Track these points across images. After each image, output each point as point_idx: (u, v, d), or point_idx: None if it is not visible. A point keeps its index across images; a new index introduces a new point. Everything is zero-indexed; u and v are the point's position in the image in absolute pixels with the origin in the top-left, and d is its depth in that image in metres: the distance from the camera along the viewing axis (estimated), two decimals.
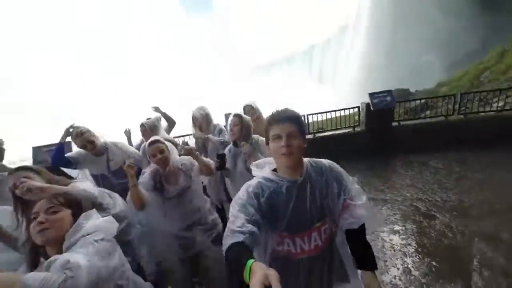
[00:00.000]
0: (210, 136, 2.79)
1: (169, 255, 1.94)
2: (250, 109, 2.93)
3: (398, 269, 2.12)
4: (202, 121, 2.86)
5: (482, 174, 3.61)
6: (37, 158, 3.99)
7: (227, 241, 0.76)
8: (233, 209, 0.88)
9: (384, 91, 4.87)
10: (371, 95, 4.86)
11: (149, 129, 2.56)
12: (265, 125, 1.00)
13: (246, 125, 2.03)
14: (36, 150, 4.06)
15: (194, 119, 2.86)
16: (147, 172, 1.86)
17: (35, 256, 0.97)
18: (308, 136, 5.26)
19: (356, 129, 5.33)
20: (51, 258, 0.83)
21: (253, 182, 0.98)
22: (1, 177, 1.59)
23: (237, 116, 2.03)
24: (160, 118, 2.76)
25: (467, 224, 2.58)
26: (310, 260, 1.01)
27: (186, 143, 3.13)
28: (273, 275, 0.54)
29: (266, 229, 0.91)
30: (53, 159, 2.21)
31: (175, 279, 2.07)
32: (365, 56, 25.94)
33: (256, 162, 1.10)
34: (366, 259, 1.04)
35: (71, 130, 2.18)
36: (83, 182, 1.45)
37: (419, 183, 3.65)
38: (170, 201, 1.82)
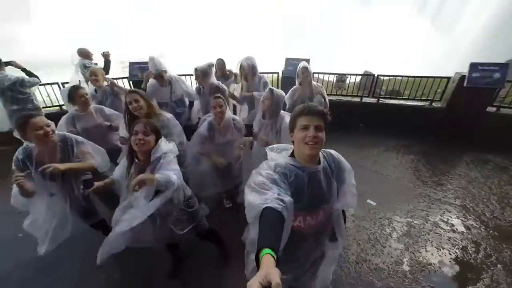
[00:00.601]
0: (254, 93, 2.91)
1: (210, 185, 2.40)
2: (305, 70, 2.82)
3: (392, 258, 2.19)
4: (248, 72, 2.92)
5: None
6: (132, 72, 4.84)
7: (260, 202, 0.83)
8: (264, 182, 0.92)
9: (494, 64, 3.60)
10: (473, 66, 3.68)
11: (201, 74, 2.80)
12: (293, 114, 1.08)
13: (277, 100, 2.11)
14: (131, 65, 4.88)
15: (242, 68, 2.93)
16: (206, 121, 2.23)
17: (131, 157, 1.51)
18: (369, 100, 4.69)
19: (434, 104, 4.39)
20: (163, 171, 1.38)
21: (279, 163, 1.04)
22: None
23: (270, 90, 2.12)
24: (212, 65, 2.92)
25: (499, 249, 2.27)
26: (314, 232, 1.18)
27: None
28: (273, 275, 0.55)
29: None
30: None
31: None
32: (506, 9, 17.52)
33: (272, 146, 1.20)
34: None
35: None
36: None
37: (475, 188, 3.10)
38: (216, 147, 2.25)
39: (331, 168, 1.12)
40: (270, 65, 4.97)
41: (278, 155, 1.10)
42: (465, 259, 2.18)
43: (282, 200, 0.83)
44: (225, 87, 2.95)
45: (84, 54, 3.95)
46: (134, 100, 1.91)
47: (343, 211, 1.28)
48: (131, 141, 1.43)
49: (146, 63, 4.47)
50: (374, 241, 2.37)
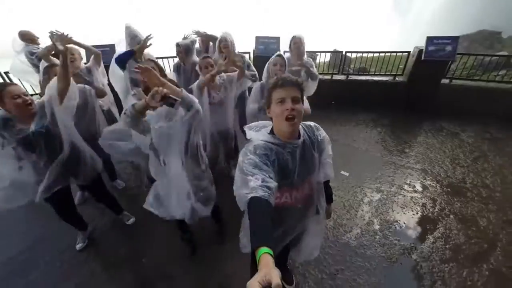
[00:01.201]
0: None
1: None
2: (297, 41, 2.75)
3: (364, 220, 2.41)
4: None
5: (504, 159, 3.28)
6: None
7: (246, 192, 0.82)
8: (246, 168, 0.90)
9: (447, 37, 3.91)
10: (429, 39, 3.96)
11: (183, 50, 2.64)
12: (268, 88, 1.04)
13: (286, 62, 2.13)
14: None
15: (221, 42, 2.73)
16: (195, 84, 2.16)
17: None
18: (339, 77, 4.86)
19: (397, 78, 4.70)
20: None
21: (258, 144, 1.00)
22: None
23: (279, 55, 2.14)
24: (195, 42, 2.77)
25: (451, 202, 2.62)
26: (301, 206, 1.19)
27: None
28: (273, 275, 0.55)
29: None
30: (121, 58, 2.36)
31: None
32: None
33: (251, 124, 1.17)
34: (329, 197, 1.41)
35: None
36: None
37: (432, 153, 3.48)
38: (212, 106, 2.25)
39: (312, 140, 1.12)
40: (241, 45, 4.85)
41: (257, 134, 1.08)
42: (424, 214, 2.49)
43: (267, 187, 0.83)
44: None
45: (28, 37, 3.45)
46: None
47: (327, 182, 1.32)
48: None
49: (105, 46, 4.13)
50: (348, 207, 2.58)
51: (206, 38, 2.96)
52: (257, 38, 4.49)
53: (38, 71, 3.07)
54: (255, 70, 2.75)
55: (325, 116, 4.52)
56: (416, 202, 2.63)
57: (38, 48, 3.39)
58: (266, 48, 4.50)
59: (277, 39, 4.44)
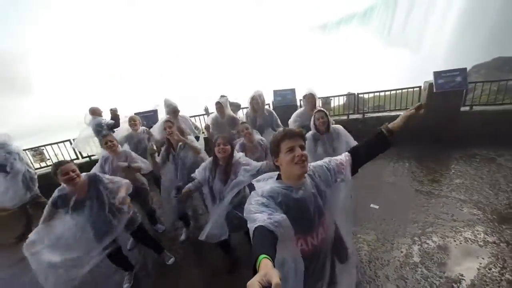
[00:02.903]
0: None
1: None
2: (309, 96, 3.10)
3: (402, 252, 2.31)
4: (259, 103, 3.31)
5: None
6: None
7: (254, 224, 0.85)
8: (254, 207, 0.95)
9: (454, 70, 4.14)
10: (437, 74, 4.22)
11: (223, 106, 3.38)
12: (275, 140, 1.11)
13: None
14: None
15: (253, 100, 3.31)
16: (238, 143, 2.65)
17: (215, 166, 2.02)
18: (356, 116, 5.14)
19: None
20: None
21: (265, 188, 1.06)
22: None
23: (321, 111, 2.47)
24: (227, 100, 3.52)
25: (499, 230, 2.41)
26: (319, 251, 1.16)
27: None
28: (273, 275, 0.56)
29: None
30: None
31: None
32: (467, 13, 19.79)
33: (258, 178, 1.22)
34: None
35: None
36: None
37: (468, 180, 3.32)
38: None
39: (316, 176, 1.15)
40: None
41: (264, 183, 1.14)
42: (469, 243, 2.32)
43: (273, 220, 0.85)
44: (238, 118, 3.50)
45: (96, 112, 4.43)
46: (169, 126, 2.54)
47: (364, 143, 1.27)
48: (215, 151, 1.97)
49: (149, 111, 5.05)
50: (383, 240, 2.51)
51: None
52: (275, 91, 5.14)
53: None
54: (281, 125, 3.30)
55: None
56: (458, 231, 2.47)
57: (105, 119, 4.31)
58: (283, 99, 5.08)
59: (293, 90, 5.04)
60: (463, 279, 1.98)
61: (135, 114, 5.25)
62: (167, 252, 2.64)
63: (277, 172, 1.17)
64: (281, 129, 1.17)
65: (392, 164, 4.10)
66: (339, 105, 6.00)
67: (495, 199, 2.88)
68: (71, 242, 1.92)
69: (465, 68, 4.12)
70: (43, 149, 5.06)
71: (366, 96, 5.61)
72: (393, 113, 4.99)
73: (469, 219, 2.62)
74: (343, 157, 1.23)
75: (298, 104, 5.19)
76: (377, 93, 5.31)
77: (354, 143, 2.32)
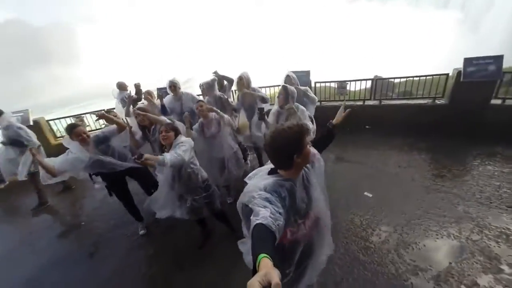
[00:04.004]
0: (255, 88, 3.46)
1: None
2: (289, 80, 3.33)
3: (380, 238, 2.45)
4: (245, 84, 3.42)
5: None
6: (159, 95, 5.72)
7: (256, 218, 0.84)
8: (258, 202, 0.92)
9: (488, 57, 3.71)
10: (467, 61, 3.83)
11: (205, 87, 3.49)
12: (297, 136, 1.04)
13: (291, 94, 2.62)
14: (159, 90, 5.78)
15: (240, 79, 3.41)
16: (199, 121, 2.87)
17: (162, 149, 2.19)
18: (371, 103, 4.95)
19: (437, 101, 4.51)
20: (171, 151, 2.00)
21: (268, 182, 1.04)
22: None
23: (284, 87, 2.66)
24: (215, 80, 3.56)
25: (489, 231, 2.38)
26: (311, 236, 1.23)
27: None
28: (273, 274, 0.56)
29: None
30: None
31: None
32: None
33: (249, 175, 1.23)
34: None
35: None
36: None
37: (477, 178, 3.17)
38: (208, 140, 2.84)
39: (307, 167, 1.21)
40: (274, 78, 5.54)
41: (261, 178, 1.11)
42: (451, 239, 2.35)
43: (275, 220, 0.85)
44: (225, 96, 3.59)
45: (122, 86, 4.91)
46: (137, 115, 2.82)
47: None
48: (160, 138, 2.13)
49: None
50: (366, 226, 2.64)
51: (222, 78, 3.75)
52: (289, 72, 5.09)
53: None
54: (263, 92, 3.43)
55: (359, 141, 4.60)
56: (444, 227, 2.50)
57: (129, 93, 4.75)
58: (298, 80, 5.03)
59: (307, 72, 4.96)
60: (430, 269, 2.08)
61: (157, 88, 5.71)
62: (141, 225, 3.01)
63: (268, 167, 1.15)
64: (295, 123, 1.06)
65: (400, 155, 4.01)
66: (364, 89, 5.69)
67: (496, 200, 2.77)
68: None
69: (501, 56, 3.66)
70: (83, 117, 5.80)
71: (396, 81, 5.27)
72: (412, 101, 4.70)
73: (461, 216, 2.60)
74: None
75: (313, 85, 5.13)
76: (404, 79, 4.98)
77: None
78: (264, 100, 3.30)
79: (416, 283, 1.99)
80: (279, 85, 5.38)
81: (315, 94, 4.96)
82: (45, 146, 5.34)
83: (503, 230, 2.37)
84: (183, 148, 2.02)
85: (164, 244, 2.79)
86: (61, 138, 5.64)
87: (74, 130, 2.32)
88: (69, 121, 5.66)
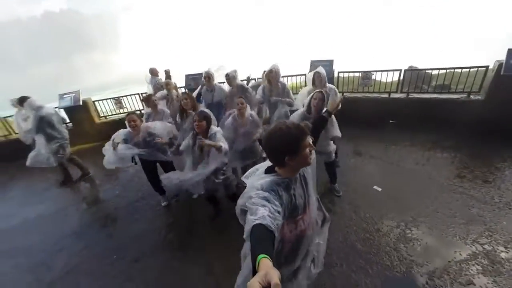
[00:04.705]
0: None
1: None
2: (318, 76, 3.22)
3: (381, 232, 2.52)
4: (274, 76, 3.51)
5: None
6: (187, 82, 6.13)
7: (254, 218, 0.83)
8: (256, 201, 0.92)
9: None
10: (511, 52, 3.44)
11: (231, 78, 3.69)
12: (294, 137, 1.02)
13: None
14: (186, 77, 6.19)
15: (270, 72, 3.51)
16: (231, 116, 3.04)
17: (195, 136, 2.42)
18: (397, 96, 4.70)
19: (471, 96, 4.14)
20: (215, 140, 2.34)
21: (265, 181, 1.03)
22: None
23: (321, 93, 2.39)
24: (236, 71, 3.76)
25: (498, 237, 2.29)
26: (311, 228, 1.26)
27: None
28: (272, 275, 0.56)
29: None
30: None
31: None
32: None
33: (246, 174, 1.25)
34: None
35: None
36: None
37: (499, 182, 2.97)
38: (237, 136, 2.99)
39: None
40: (299, 67, 5.51)
41: (258, 178, 1.11)
42: (456, 239, 2.33)
43: (275, 220, 0.85)
44: (247, 86, 3.77)
45: (154, 72, 5.34)
46: (184, 98, 3.05)
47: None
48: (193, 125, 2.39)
49: (198, 74, 5.70)
50: (369, 218, 2.70)
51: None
52: (312, 62, 5.04)
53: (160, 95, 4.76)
54: (292, 98, 3.42)
55: (379, 136, 4.47)
56: (451, 227, 2.46)
57: (159, 79, 5.15)
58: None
59: (331, 61, 4.85)
60: (426, 265, 2.12)
61: (186, 75, 6.06)
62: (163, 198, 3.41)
63: (264, 165, 1.17)
64: (293, 123, 1.06)
65: (421, 152, 3.86)
66: (396, 80, 5.35)
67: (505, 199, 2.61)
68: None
69: None
70: (121, 99, 6.43)
71: (431, 72, 4.88)
72: (444, 96, 4.38)
73: (472, 219, 2.53)
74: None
75: (336, 75, 5.02)
76: (442, 70, 4.61)
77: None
78: (290, 104, 3.40)
79: (409, 275, 2.06)
80: (300, 74, 5.41)
81: (337, 85, 4.87)
82: (90, 124, 6.14)
83: None
84: (223, 138, 2.37)
85: (182, 215, 3.18)
86: (104, 118, 6.37)
87: (127, 117, 2.75)
88: (110, 102, 6.34)
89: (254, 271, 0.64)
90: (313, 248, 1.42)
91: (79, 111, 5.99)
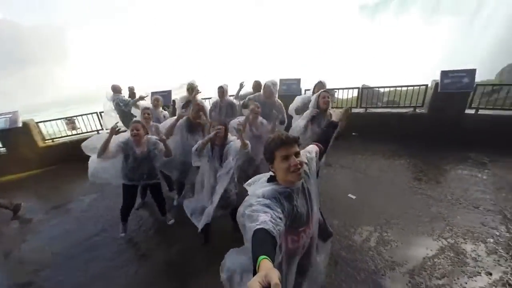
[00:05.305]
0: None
1: None
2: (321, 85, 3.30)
3: (361, 237, 2.63)
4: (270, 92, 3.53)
5: None
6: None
7: (256, 223, 0.83)
8: (257, 208, 0.92)
9: (462, 71, 4.06)
10: (444, 73, 4.16)
11: (225, 91, 3.78)
12: (269, 148, 1.09)
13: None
14: (153, 95, 5.83)
15: (266, 87, 3.51)
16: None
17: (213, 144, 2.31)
18: (357, 111, 5.21)
19: (417, 110, 4.83)
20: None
21: (267, 189, 1.05)
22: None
23: (327, 92, 2.66)
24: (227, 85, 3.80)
25: (460, 225, 2.62)
26: (311, 242, 1.27)
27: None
28: (273, 275, 0.56)
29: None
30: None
31: None
32: None
33: (248, 181, 1.26)
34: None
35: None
36: None
37: (449, 181, 3.45)
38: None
39: (310, 170, 1.23)
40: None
41: (260, 186, 1.13)
42: (425, 236, 2.56)
43: (276, 225, 0.85)
44: (235, 102, 3.85)
45: (117, 89, 4.95)
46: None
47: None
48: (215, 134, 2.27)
49: (164, 92, 5.48)
50: (348, 226, 2.82)
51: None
52: (281, 80, 5.31)
53: (120, 113, 4.42)
54: (285, 117, 3.50)
55: (346, 147, 4.80)
56: (419, 225, 2.71)
57: (123, 97, 4.79)
58: (288, 88, 5.26)
59: (298, 80, 5.19)
60: (405, 264, 2.27)
61: (151, 92, 5.77)
62: (169, 215, 3.17)
63: (267, 174, 1.19)
64: (274, 134, 1.12)
65: (382, 160, 4.27)
66: (352, 97, 5.91)
67: (464, 201, 3.03)
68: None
69: (474, 70, 4.02)
70: (75, 119, 5.76)
71: (382, 90, 5.55)
72: (395, 110, 5.01)
73: (434, 216, 2.83)
74: (313, 148, 1.38)
75: (303, 93, 5.35)
76: (389, 88, 5.27)
77: None
78: (282, 122, 3.44)
79: (393, 276, 2.17)
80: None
81: None
82: (30, 148, 5.28)
83: (469, 228, 2.61)
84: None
85: (156, 245, 2.85)
86: (49, 141, 5.58)
87: (131, 126, 2.55)
88: (60, 123, 5.63)
89: (255, 272, 0.65)
90: (315, 268, 1.40)
91: (17, 134, 5.12)
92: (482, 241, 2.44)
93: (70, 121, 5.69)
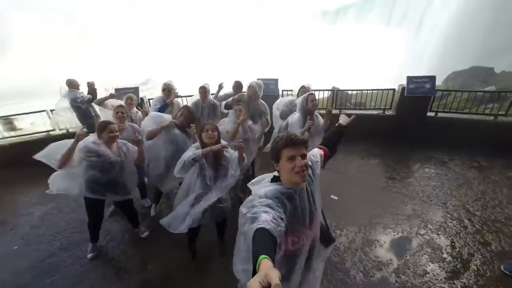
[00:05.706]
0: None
1: None
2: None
3: (348, 238, 2.66)
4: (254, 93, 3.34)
5: (488, 187, 3.46)
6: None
7: (257, 223, 0.84)
8: (258, 208, 0.93)
9: (425, 77, 4.43)
10: (409, 79, 4.49)
11: (208, 91, 3.60)
12: (276, 147, 1.10)
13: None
14: (117, 91, 5.21)
15: (251, 87, 3.35)
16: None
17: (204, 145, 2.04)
18: (334, 112, 5.34)
19: (386, 112, 5.15)
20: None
21: (269, 189, 1.06)
22: None
23: (313, 95, 2.74)
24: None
25: (433, 222, 2.81)
26: (313, 244, 1.30)
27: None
28: (273, 275, 0.55)
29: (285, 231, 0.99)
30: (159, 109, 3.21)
31: None
32: (461, 15, 20.63)
33: (252, 181, 1.26)
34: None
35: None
36: None
37: (423, 180, 3.71)
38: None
39: (311, 177, 1.24)
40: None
41: (263, 185, 1.14)
42: (405, 234, 2.70)
43: (277, 225, 0.86)
44: (217, 103, 3.68)
45: (73, 84, 4.30)
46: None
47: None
48: (202, 136, 2.03)
49: (131, 88, 4.97)
50: (334, 227, 2.83)
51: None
52: (259, 79, 5.19)
53: (78, 112, 3.86)
54: (269, 119, 3.36)
55: None
56: (398, 224, 2.85)
57: (82, 93, 4.20)
58: (266, 87, 5.15)
59: (276, 80, 5.13)
60: (391, 263, 2.35)
61: (115, 89, 5.18)
62: (142, 227, 2.83)
63: (271, 175, 1.19)
64: (283, 134, 1.13)
65: (358, 160, 4.45)
66: (322, 98, 6.13)
67: (434, 198, 3.29)
68: None
69: (434, 76, 4.42)
70: (13, 118, 4.90)
71: (350, 92, 5.80)
72: (367, 111, 5.27)
73: (410, 214, 3.01)
74: (318, 152, 1.41)
75: (280, 94, 5.32)
76: (359, 91, 5.53)
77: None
78: (266, 123, 3.25)
79: (381, 277, 2.22)
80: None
81: None
82: None
83: (441, 224, 2.82)
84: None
85: (129, 262, 2.52)
86: None
87: (109, 126, 2.15)
88: None
89: (255, 272, 0.64)
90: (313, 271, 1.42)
91: None
92: (453, 235, 2.65)
93: (7, 121, 4.83)
